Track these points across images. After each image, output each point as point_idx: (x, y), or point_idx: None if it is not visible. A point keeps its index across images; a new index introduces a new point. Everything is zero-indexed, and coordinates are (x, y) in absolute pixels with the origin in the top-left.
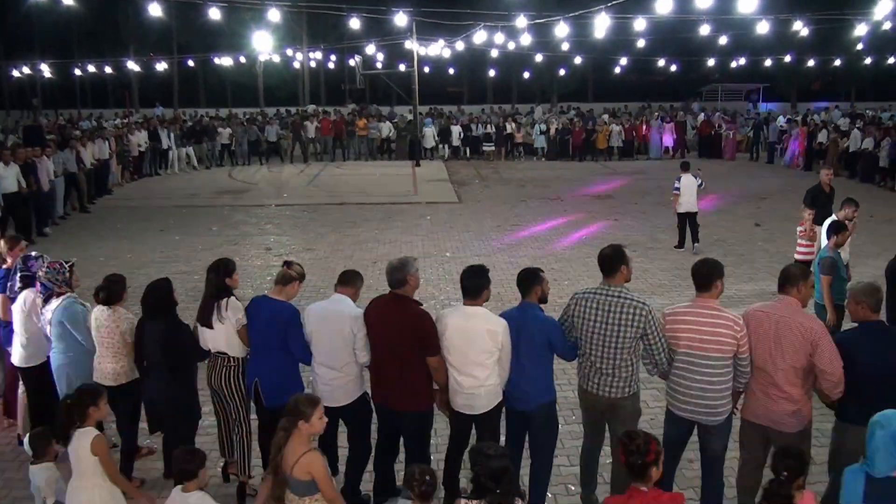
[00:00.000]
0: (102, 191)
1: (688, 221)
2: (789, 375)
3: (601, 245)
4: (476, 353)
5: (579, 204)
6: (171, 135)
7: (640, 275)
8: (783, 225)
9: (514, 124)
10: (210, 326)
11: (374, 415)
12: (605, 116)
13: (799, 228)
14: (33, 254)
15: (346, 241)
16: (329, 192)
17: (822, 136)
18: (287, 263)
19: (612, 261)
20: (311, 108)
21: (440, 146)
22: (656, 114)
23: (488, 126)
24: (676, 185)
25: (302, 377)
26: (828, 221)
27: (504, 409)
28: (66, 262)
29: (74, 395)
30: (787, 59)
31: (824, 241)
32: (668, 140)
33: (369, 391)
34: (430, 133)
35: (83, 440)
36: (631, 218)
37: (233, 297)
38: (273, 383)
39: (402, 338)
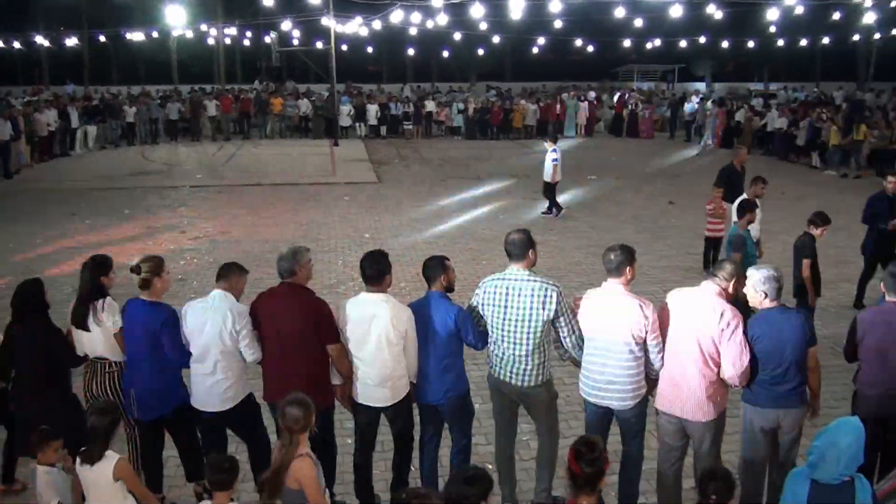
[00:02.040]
0: (2, 174)
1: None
2: (696, 364)
3: (519, 223)
4: (379, 342)
5: (498, 183)
6: (77, 114)
7: (556, 253)
8: (696, 202)
9: (434, 103)
10: (87, 329)
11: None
12: (521, 99)
13: (708, 206)
14: None
15: (262, 224)
16: (245, 173)
17: (739, 116)
18: (135, 268)
19: (519, 245)
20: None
21: (356, 125)
22: (571, 93)
23: (408, 105)
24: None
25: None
26: (738, 200)
27: (418, 405)
28: None
29: (99, 410)
30: (702, 40)
31: (734, 217)
32: (583, 119)
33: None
34: (345, 111)
35: (106, 464)
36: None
37: (109, 298)
38: (148, 393)
39: (298, 328)
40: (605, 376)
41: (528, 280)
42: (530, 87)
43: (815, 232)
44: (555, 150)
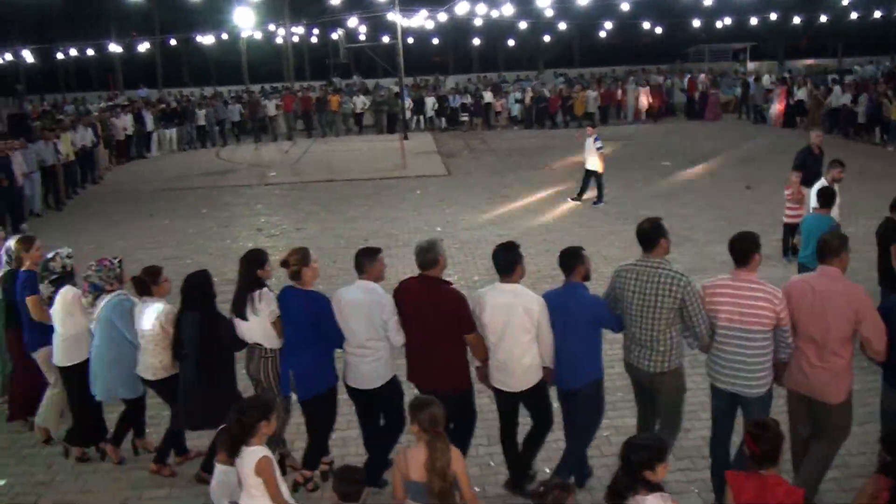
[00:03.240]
0: (90, 179)
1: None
2: (833, 345)
3: (590, 213)
4: (513, 330)
5: (568, 172)
6: (151, 117)
7: (631, 244)
8: (773, 187)
9: (491, 93)
10: (245, 318)
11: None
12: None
13: (786, 192)
14: (48, 255)
15: (336, 219)
16: (318, 169)
17: (801, 94)
18: (284, 262)
19: (650, 234)
20: (336, 80)
21: (414, 118)
22: (631, 78)
23: (466, 96)
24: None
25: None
26: (817, 185)
27: (557, 390)
28: (115, 259)
29: (243, 408)
30: (773, 17)
31: (813, 203)
32: (644, 103)
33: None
34: (407, 105)
35: (249, 459)
36: (620, 186)
37: (266, 289)
38: (307, 375)
39: (437, 318)
40: (735, 363)
41: (658, 268)
42: (599, 73)
43: None
44: (597, 139)
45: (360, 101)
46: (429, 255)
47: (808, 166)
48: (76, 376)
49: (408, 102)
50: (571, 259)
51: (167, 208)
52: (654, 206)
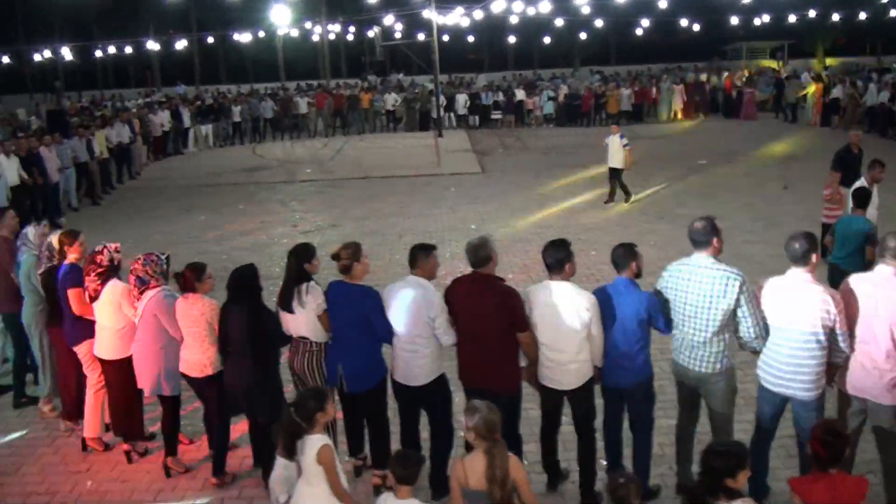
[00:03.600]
0: (128, 174)
1: (614, 176)
2: (889, 347)
3: (627, 212)
4: (564, 328)
5: (603, 171)
6: (189, 114)
7: (666, 243)
8: (812, 187)
9: (524, 91)
10: (291, 311)
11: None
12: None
13: (825, 192)
14: (96, 248)
15: (371, 216)
16: (353, 166)
17: (836, 92)
18: (336, 255)
19: (703, 233)
20: (371, 78)
21: (446, 115)
22: (665, 76)
23: (498, 94)
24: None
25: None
26: (856, 185)
27: (601, 387)
28: (162, 254)
29: (299, 399)
30: (812, 14)
31: (852, 205)
32: (678, 102)
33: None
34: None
35: (311, 448)
36: (656, 184)
37: (312, 282)
38: (357, 368)
39: (491, 316)
40: (789, 366)
41: (711, 268)
42: (635, 70)
43: None
44: (622, 136)
45: (392, 99)
46: (481, 253)
47: (847, 166)
48: (122, 370)
49: (442, 100)
50: (624, 255)
51: (204, 204)
52: (690, 205)
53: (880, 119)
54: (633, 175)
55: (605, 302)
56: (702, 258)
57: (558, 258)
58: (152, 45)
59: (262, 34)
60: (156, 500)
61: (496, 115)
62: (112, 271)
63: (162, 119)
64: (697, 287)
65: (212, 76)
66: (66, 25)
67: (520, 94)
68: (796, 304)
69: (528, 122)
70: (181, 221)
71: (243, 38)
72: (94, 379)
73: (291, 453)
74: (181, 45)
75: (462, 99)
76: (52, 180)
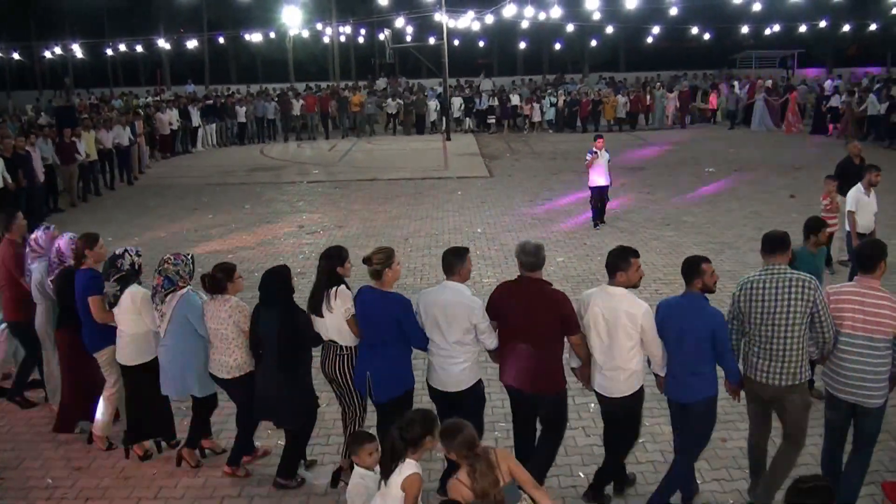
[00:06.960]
0: (121, 178)
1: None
2: None
3: (633, 218)
4: (616, 334)
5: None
6: (198, 113)
7: (671, 250)
8: (818, 196)
9: (519, 97)
10: (320, 315)
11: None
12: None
13: (823, 201)
14: (117, 251)
15: (377, 218)
16: (360, 168)
17: (835, 101)
18: (367, 260)
19: (776, 242)
20: (379, 81)
21: (443, 119)
22: (658, 84)
23: (492, 98)
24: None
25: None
26: (851, 192)
27: (668, 401)
28: (187, 255)
29: (406, 421)
30: (823, 24)
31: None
32: (671, 110)
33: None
34: (432, 106)
35: (400, 472)
36: (664, 191)
37: (343, 286)
38: (385, 376)
39: (543, 320)
40: (858, 373)
41: (786, 273)
42: (643, 77)
43: None
44: (606, 151)
45: (395, 105)
46: (531, 259)
47: (846, 175)
48: (144, 375)
49: (435, 104)
50: (690, 271)
51: (210, 203)
52: (697, 213)
53: (881, 129)
54: (640, 181)
55: (669, 314)
56: (774, 266)
57: (612, 264)
58: (163, 44)
59: (272, 35)
60: (156, 497)
61: (491, 120)
62: (131, 276)
63: (170, 117)
64: (773, 295)
65: (222, 76)
66: (78, 23)
67: (515, 99)
68: (865, 310)
69: (522, 127)
70: (188, 220)
71: (254, 38)
72: (111, 383)
73: (388, 474)
74: (192, 44)
75: (457, 102)
76: (39, 181)
